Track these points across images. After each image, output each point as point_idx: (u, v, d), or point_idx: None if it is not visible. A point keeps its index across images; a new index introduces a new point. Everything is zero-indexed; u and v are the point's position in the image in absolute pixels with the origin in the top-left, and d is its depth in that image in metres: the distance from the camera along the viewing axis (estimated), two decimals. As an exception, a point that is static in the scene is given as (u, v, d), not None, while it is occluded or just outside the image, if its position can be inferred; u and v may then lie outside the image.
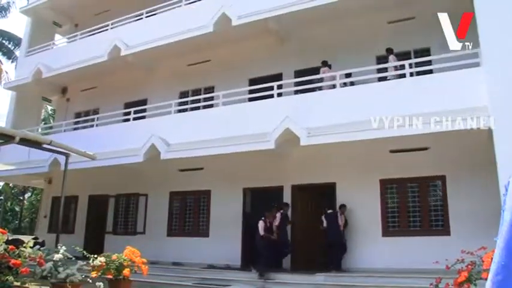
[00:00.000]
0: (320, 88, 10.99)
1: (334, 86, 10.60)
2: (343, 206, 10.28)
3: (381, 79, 10.02)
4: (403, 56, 10.90)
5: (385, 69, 10.17)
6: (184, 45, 12.78)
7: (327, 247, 10.07)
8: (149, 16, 13.89)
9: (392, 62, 10.29)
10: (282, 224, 10.39)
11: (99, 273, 6.52)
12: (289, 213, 10.87)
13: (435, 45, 9.98)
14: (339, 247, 9.94)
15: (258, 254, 10.07)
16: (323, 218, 10.13)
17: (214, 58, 13.71)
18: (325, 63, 11.32)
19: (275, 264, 10.33)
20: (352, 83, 10.45)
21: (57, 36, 18.83)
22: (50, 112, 31.03)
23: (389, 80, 9.98)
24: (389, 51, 10.62)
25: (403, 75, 9.65)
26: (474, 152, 9.13)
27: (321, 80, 10.91)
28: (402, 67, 9.71)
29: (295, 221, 10.96)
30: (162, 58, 14.15)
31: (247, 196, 12.23)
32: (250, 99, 11.51)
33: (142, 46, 13.16)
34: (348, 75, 10.57)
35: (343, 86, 10.52)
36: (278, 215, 10.44)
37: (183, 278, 10.33)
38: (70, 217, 15.61)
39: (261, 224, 10.08)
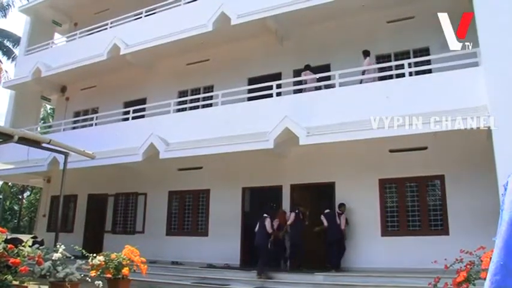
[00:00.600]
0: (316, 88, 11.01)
1: (317, 88, 10.77)
2: (342, 205, 10.26)
3: (380, 78, 10.02)
4: (402, 55, 10.92)
5: (385, 69, 10.17)
6: (183, 44, 12.78)
7: (327, 246, 10.07)
8: (148, 15, 13.87)
9: (366, 65, 10.35)
10: (295, 224, 10.26)
11: (98, 272, 6.53)
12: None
13: (434, 44, 10.00)
14: (338, 246, 9.94)
15: (260, 253, 9.98)
16: (322, 217, 10.11)
17: (214, 57, 13.71)
18: (307, 67, 11.39)
19: (275, 264, 10.33)
20: (330, 86, 10.55)
21: (57, 35, 18.83)
22: (49, 111, 31.00)
23: (365, 83, 10.12)
24: (366, 53, 10.62)
25: (389, 77, 9.72)
26: (473, 151, 9.14)
27: (320, 79, 10.89)
28: (393, 69, 9.79)
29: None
30: (161, 57, 14.15)
31: (246, 195, 12.23)
32: (250, 99, 11.51)
33: (141, 45, 13.14)
34: (325, 78, 10.62)
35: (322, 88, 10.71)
36: (292, 214, 10.33)
37: (182, 277, 10.33)
38: (69, 216, 15.60)
39: (268, 222, 10.01)
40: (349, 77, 10.42)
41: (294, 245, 10.38)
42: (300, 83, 11.25)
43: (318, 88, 10.82)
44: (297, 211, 10.46)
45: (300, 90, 10.98)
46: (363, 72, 10.37)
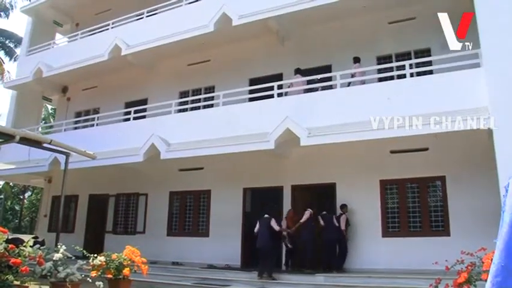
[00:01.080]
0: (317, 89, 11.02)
1: (306, 91, 10.84)
2: (344, 206, 10.24)
3: (381, 79, 10.03)
4: (404, 56, 10.92)
5: (386, 70, 10.17)
6: (184, 44, 12.78)
7: (326, 247, 10.05)
8: (150, 16, 13.89)
9: (353, 69, 10.48)
10: (308, 223, 10.05)
11: (99, 273, 6.53)
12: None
13: (435, 45, 9.99)
14: (339, 247, 9.92)
15: (263, 255, 9.83)
16: (319, 217, 10.13)
17: (215, 58, 13.72)
18: (298, 70, 11.46)
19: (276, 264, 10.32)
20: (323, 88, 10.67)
21: (58, 36, 18.85)
22: (51, 111, 31.04)
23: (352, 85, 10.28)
24: (356, 60, 10.80)
25: (391, 78, 9.70)
26: (474, 152, 9.13)
27: (322, 80, 10.89)
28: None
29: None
30: (162, 58, 14.16)
31: (247, 196, 12.22)
32: (251, 99, 11.51)
33: (142, 46, 13.15)
34: (326, 79, 10.67)
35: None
36: (307, 212, 10.09)
37: (183, 277, 10.33)
38: (70, 216, 15.62)
39: (274, 222, 9.88)
40: (350, 78, 10.43)
41: (303, 244, 10.18)
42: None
43: (308, 90, 10.81)
44: (310, 211, 10.24)
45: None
46: (352, 76, 10.46)
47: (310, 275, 9.25)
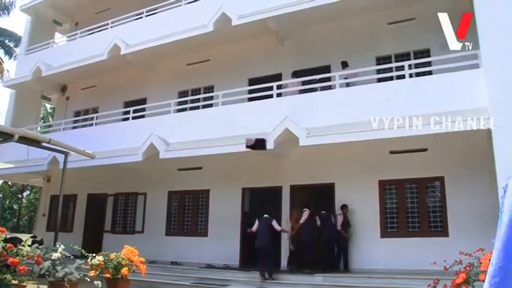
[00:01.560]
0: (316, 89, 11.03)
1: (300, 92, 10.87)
2: (344, 207, 10.23)
3: (380, 80, 10.03)
4: (403, 57, 10.92)
5: (386, 71, 10.17)
6: (184, 44, 12.78)
7: (325, 246, 10.06)
8: (149, 15, 13.88)
9: (344, 74, 10.56)
10: (308, 224, 10.04)
11: (97, 272, 6.54)
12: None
13: (435, 46, 9.99)
14: (334, 247, 9.92)
15: (264, 254, 9.78)
16: (316, 217, 10.13)
17: (214, 57, 13.72)
18: (294, 73, 11.54)
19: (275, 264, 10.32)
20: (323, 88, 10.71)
21: (57, 35, 18.84)
22: (49, 110, 31.01)
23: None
24: (344, 64, 10.91)
25: (390, 78, 9.70)
26: (473, 153, 9.13)
27: (321, 80, 10.89)
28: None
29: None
30: (161, 57, 14.15)
31: (246, 196, 12.22)
32: (250, 99, 11.51)
33: (142, 45, 13.15)
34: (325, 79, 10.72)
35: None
36: (306, 212, 10.11)
37: (182, 277, 10.32)
38: (69, 216, 15.60)
39: (275, 222, 9.90)
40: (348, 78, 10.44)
41: (303, 244, 10.16)
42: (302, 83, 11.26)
43: (307, 91, 10.81)
44: (308, 210, 10.22)
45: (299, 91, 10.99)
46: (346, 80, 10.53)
47: (309, 275, 9.25)
